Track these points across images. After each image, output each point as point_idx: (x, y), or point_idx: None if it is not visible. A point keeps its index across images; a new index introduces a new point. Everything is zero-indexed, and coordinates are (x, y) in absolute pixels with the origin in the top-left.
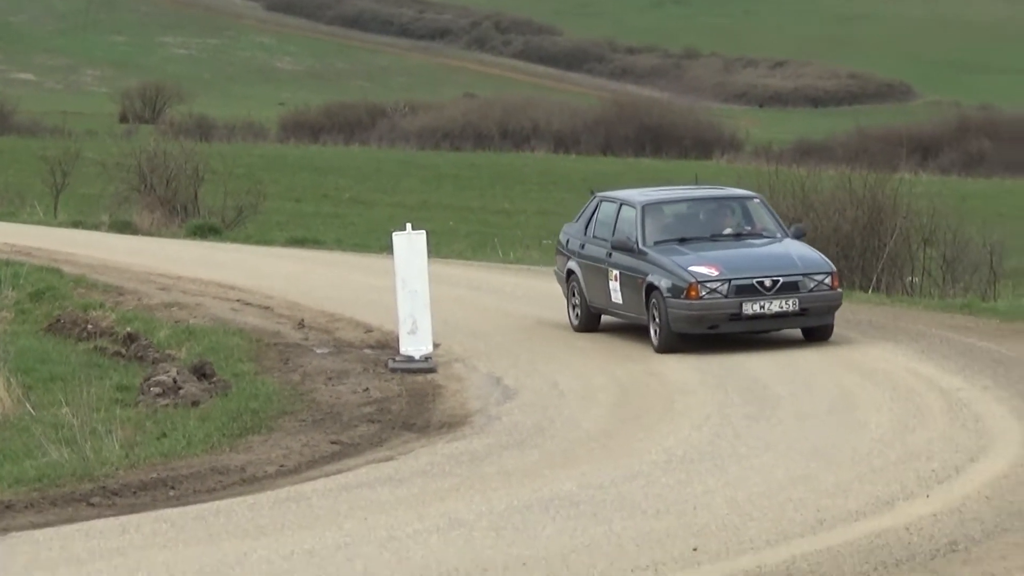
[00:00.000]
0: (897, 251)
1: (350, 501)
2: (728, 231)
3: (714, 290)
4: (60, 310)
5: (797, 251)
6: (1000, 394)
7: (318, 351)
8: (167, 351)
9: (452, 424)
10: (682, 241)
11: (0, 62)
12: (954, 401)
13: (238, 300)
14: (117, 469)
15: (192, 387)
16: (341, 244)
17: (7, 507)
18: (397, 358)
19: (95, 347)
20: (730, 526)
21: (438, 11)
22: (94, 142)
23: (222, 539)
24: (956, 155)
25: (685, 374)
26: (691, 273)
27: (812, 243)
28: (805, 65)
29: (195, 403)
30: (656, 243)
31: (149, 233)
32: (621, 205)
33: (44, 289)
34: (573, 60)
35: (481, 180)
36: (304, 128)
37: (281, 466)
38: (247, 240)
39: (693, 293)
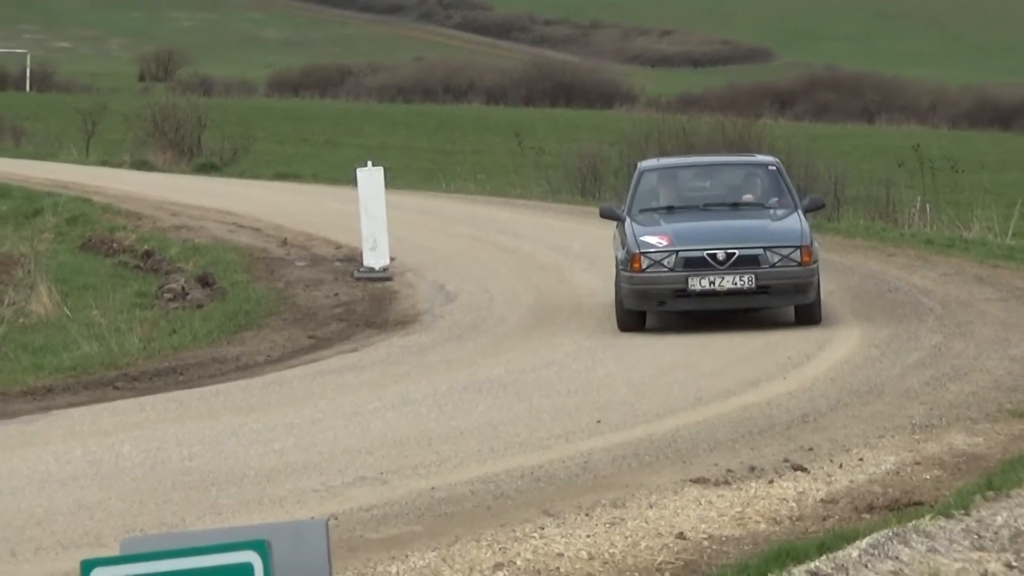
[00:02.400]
0: None
1: (323, 384)
2: (729, 200)
3: (658, 262)
4: (91, 232)
5: (780, 222)
6: (842, 296)
7: (298, 264)
8: (177, 264)
9: (405, 322)
10: (670, 210)
11: (42, 33)
12: None
13: (233, 223)
14: (136, 359)
15: (197, 293)
16: (316, 178)
17: (48, 390)
18: (361, 269)
19: (119, 261)
20: (627, 402)
21: None
22: (118, 98)
23: (220, 415)
24: (807, 105)
25: (591, 281)
26: (639, 243)
27: None
28: (687, 33)
29: (199, 306)
30: (642, 211)
31: (162, 170)
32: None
33: (78, 215)
34: (501, 30)
35: (428, 126)
36: (287, 85)
37: (268, 356)
38: (240, 175)
39: (635, 265)
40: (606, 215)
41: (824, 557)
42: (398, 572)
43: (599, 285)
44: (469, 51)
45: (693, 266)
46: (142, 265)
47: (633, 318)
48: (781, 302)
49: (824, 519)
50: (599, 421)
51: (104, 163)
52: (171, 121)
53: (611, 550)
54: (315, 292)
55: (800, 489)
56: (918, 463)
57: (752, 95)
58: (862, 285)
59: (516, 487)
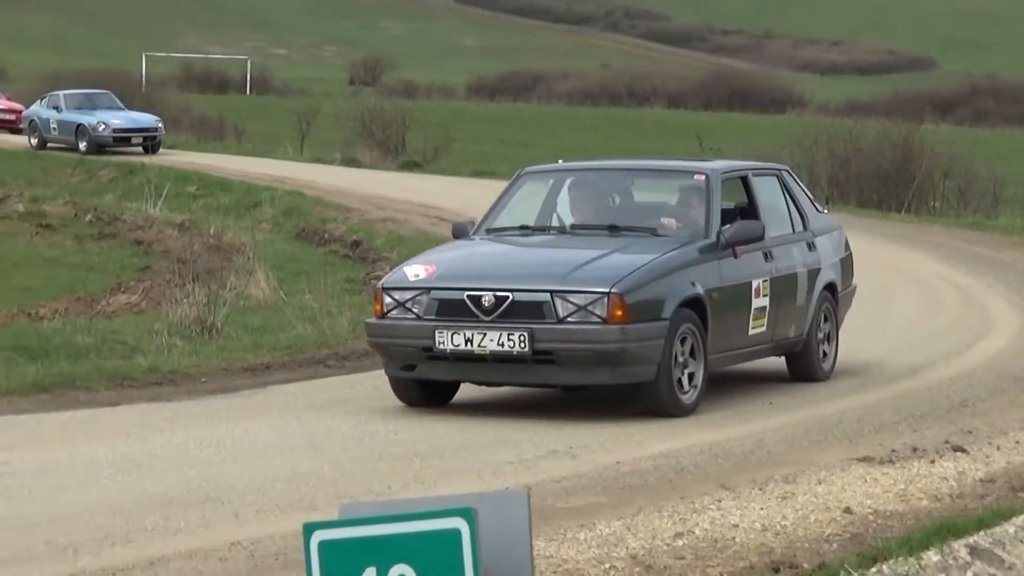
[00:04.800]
0: (923, 183)
1: None
2: (620, 222)
3: (403, 304)
4: (304, 223)
5: (609, 257)
6: (1000, 289)
7: None
8: (383, 254)
9: None
10: (524, 230)
11: (261, 41)
12: (965, 294)
13: (435, 216)
14: (346, 340)
15: None
16: (511, 175)
17: (266, 367)
18: None
19: (330, 250)
20: (795, 386)
21: (583, 3)
22: (329, 100)
23: None
24: (968, 111)
25: None
26: (393, 276)
27: (854, 180)
28: (854, 43)
29: None
30: (491, 230)
31: (369, 167)
32: None
33: (292, 207)
34: (681, 39)
35: (613, 129)
36: (484, 90)
37: None
38: (441, 172)
39: (377, 308)
40: (457, 234)
41: (982, 533)
42: (586, 539)
43: None
44: (652, 59)
45: (448, 313)
46: (351, 254)
47: (408, 387)
48: (581, 379)
49: (982, 497)
50: (771, 403)
51: (316, 160)
52: (378, 122)
53: (783, 522)
54: None
55: (960, 469)
56: None
57: (915, 102)
58: (1020, 280)
59: (695, 462)
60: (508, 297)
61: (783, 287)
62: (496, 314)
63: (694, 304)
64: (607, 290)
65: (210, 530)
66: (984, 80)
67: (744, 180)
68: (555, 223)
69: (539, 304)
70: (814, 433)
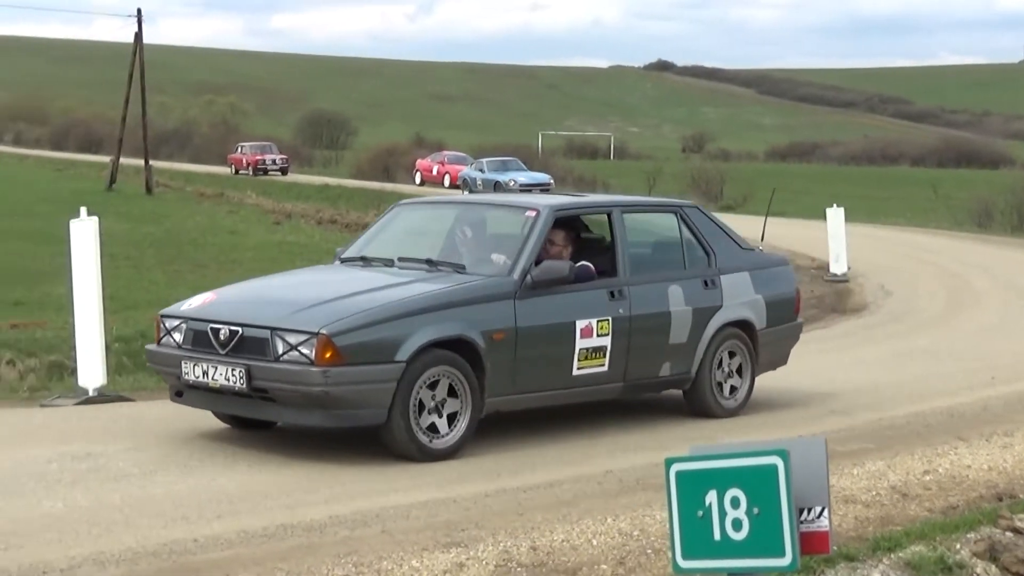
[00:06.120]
0: None
1: (802, 351)
2: (433, 255)
3: (170, 332)
4: None
5: (351, 299)
6: None
7: None
8: None
9: (858, 309)
10: (365, 261)
11: (621, 123)
12: None
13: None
14: None
15: None
16: (797, 214)
17: None
18: (828, 275)
19: None
20: (1013, 364)
21: (849, 92)
22: (669, 164)
23: None
24: None
25: (988, 284)
26: (172, 306)
27: None
28: None
29: None
30: (345, 260)
31: None
32: None
33: None
34: (921, 116)
35: (871, 181)
36: (777, 154)
37: None
38: (748, 212)
39: (156, 334)
40: (336, 258)
41: None
42: (858, 473)
43: (993, 286)
44: (899, 131)
45: (197, 344)
46: None
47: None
48: (299, 419)
49: None
50: (993, 377)
51: None
52: (703, 178)
53: (1004, 464)
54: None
55: None
56: None
57: None
58: None
59: (938, 420)
60: (239, 332)
61: (643, 325)
62: (229, 348)
63: (457, 345)
64: (316, 331)
65: (589, 463)
66: None
67: (609, 217)
68: (379, 254)
69: (262, 341)
70: None
